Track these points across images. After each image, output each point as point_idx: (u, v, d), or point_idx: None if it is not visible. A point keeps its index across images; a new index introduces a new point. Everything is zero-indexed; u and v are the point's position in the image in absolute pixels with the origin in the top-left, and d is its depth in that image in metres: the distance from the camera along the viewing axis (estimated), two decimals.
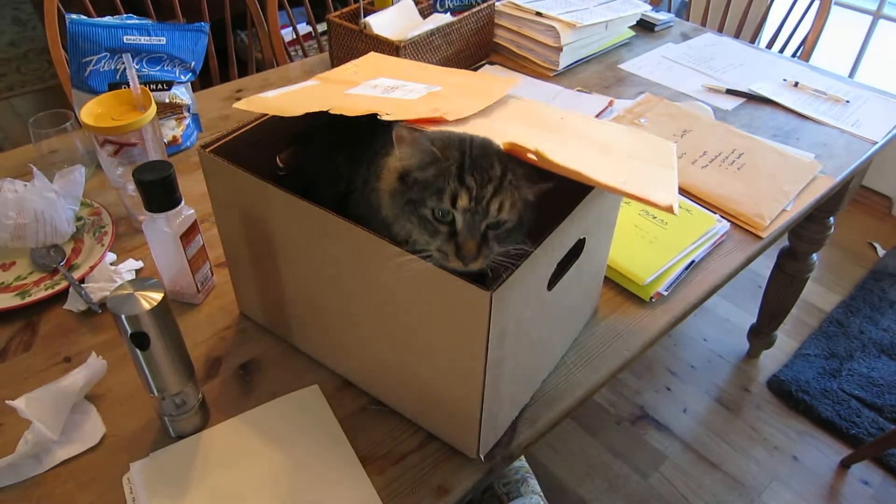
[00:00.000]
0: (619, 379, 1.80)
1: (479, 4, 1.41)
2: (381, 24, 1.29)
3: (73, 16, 0.96)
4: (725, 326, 1.97)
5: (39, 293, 0.87)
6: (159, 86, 1.04)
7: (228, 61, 1.68)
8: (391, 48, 1.25)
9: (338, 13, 1.35)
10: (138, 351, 0.64)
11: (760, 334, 1.82)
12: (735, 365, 1.86)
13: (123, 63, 1.00)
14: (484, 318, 0.55)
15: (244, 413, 0.75)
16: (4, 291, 0.89)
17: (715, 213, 1.03)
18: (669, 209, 0.59)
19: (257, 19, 1.60)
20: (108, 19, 0.99)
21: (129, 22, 1.00)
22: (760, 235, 1.02)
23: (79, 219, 0.99)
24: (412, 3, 1.36)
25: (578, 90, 1.35)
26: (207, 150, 0.71)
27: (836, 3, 2.00)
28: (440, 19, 1.34)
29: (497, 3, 1.46)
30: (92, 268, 0.91)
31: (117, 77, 1.01)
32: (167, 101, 1.06)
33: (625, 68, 1.47)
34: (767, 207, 1.04)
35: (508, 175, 0.59)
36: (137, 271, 0.93)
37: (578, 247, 0.70)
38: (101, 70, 0.98)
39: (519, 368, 0.68)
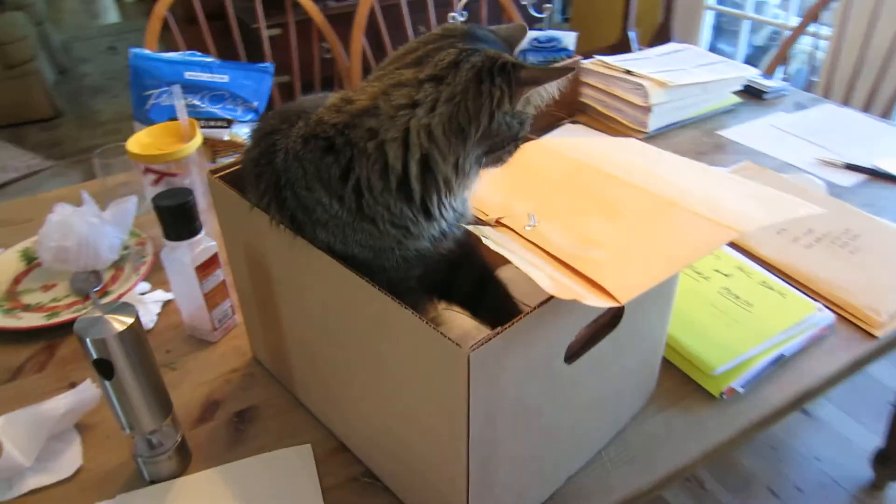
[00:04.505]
0: (707, 491, 1.57)
1: (563, 59, 1.34)
2: None
3: (136, 50, 0.98)
4: (845, 447, 1.67)
5: (66, 316, 0.86)
6: (219, 123, 1.05)
7: None
8: None
9: None
10: (105, 380, 0.59)
11: (888, 462, 1.53)
12: (853, 494, 1.56)
13: (185, 97, 1.01)
14: (462, 383, 0.45)
15: (226, 465, 0.68)
16: (37, 311, 0.89)
17: (817, 300, 0.86)
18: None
19: (346, 82, 1.62)
20: (170, 55, 1.01)
21: (190, 58, 1.02)
22: (874, 334, 0.83)
23: (125, 248, 0.98)
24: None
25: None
26: (216, 175, 0.67)
27: None
28: None
29: (584, 62, 1.38)
30: (121, 295, 0.89)
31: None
32: (226, 138, 1.06)
33: (725, 135, 1.33)
34: (885, 301, 0.86)
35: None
36: (165, 303, 0.90)
37: (615, 315, 0.58)
38: (163, 104, 1.00)
39: (526, 456, 0.56)
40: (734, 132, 1.35)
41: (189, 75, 1.01)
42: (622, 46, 2.69)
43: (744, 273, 0.90)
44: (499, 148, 0.53)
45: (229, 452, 0.69)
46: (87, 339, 0.56)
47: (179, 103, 0.89)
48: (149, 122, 1.02)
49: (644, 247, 0.55)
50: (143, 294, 0.90)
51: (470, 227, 0.55)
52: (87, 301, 0.89)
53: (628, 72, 1.33)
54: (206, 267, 0.78)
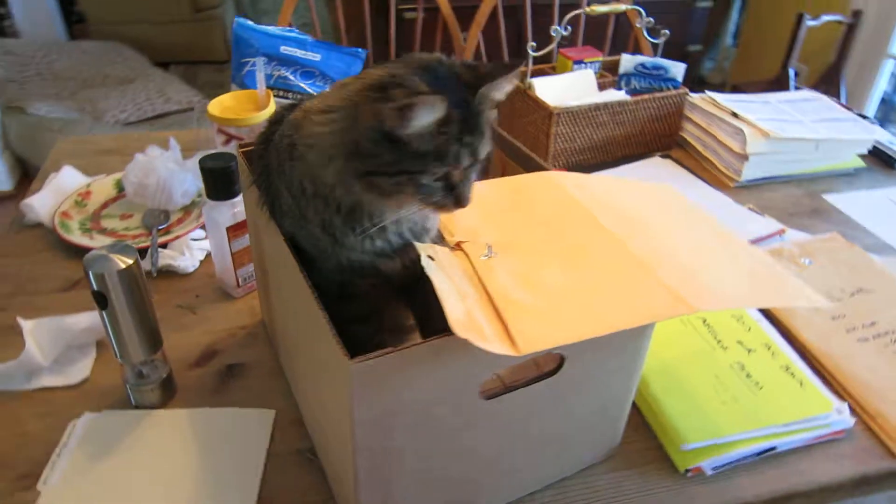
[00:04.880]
0: None
1: (668, 90, 1.28)
2: (547, 87, 1.23)
3: (240, 19, 1.07)
4: None
5: None
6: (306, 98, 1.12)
7: None
8: (545, 114, 1.19)
9: None
10: (101, 310, 0.67)
11: None
12: None
13: (278, 69, 1.09)
14: (347, 391, 0.47)
15: (198, 409, 0.75)
16: (109, 235, 1.01)
17: (844, 400, 0.78)
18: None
19: None
20: (270, 28, 1.09)
21: (288, 34, 1.09)
22: None
23: (199, 195, 1.09)
24: (592, 75, 1.29)
25: (749, 208, 1.15)
26: (243, 149, 0.73)
27: None
28: (613, 96, 1.24)
29: (693, 95, 1.31)
30: (176, 237, 0.99)
31: (271, 81, 1.11)
32: None
33: (830, 200, 1.21)
34: None
35: (483, 107, 0.53)
36: (209, 253, 0.99)
37: (559, 363, 0.57)
38: (258, 73, 1.09)
39: (437, 473, 0.58)
40: (842, 199, 1.22)
41: (284, 49, 1.09)
42: (780, 82, 2.49)
43: (769, 352, 0.83)
44: (389, 172, 0.51)
45: (208, 399, 0.76)
46: (90, 272, 0.65)
47: (260, 75, 0.96)
48: (243, 86, 1.12)
49: (581, 302, 0.54)
50: (194, 240, 1.00)
51: (418, 245, 0.57)
52: (149, 235, 1.00)
53: (734, 114, 1.24)
54: (237, 229, 0.85)
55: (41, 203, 1.04)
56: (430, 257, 0.55)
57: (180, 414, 0.74)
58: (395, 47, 1.73)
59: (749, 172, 1.22)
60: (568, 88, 1.26)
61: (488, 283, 0.54)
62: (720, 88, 3.47)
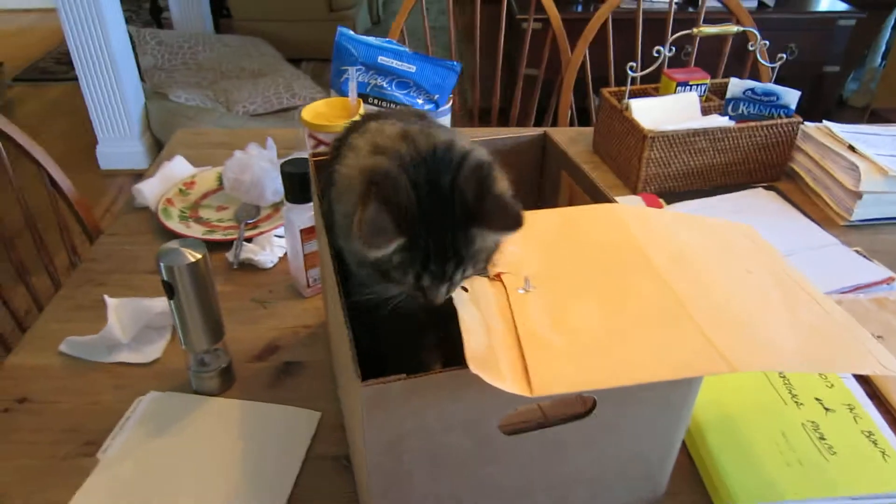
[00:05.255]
0: None
1: (779, 118, 1.19)
2: (645, 109, 1.19)
3: (343, 29, 1.11)
4: None
5: (217, 236, 1.05)
6: (399, 107, 1.14)
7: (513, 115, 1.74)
8: (638, 137, 1.15)
9: (614, 89, 1.29)
10: (169, 300, 0.72)
11: None
12: None
13: (375, 78, 1.12)
14: (359, 410, 0.48)
15: (251, 401, 0.79)
16: (203, 225, 1.09)
17: None
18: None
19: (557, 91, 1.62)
20: (370, 39, 1.12)
21: (387, 45, 1.12)
22: None
23: None
24: (695, 98, 1.22)
25: (856, 251, 1.04)
26: (316, 157, 0.75)
27: None
28: (715, 121, 1.17)
29: (807, 124, 1.21)
30: (261, 233, 1.05)
31: (367, 90, 1.14)
32: None
33: None
34: None
35: (470, 246, 0.51)
36: None
37: (591, 406, 0.55)
38: (356, 80, 1.12)
39: (447, 500, 0.57)
40: None
41: (382, 59, 1.12)
42: None
43: (851, 414, 0.76)
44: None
45: (262, 392, 0.80)
46: (161, 264, 0.70)
47: (352, 83, 1.00)
48: (341, 93, 1.16)
49: (612, 347, 0.51)
50: (278, 237, 1.05)
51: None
52: (238, 228, 1.06)
53: (851, 147, 1.14)
54: (310, 232, 0.89)
55: (150, 188, 1.13)
56: (464, 288, 0.55)
57: (233, 404, 0.78)
58: (502, 58, 1.73)
59: (861, 212, 1.11)
60: (668, 111, 1.20)
61: (519, 318, 0.53)
62: (863, 112, 3.19)
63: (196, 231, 1.05)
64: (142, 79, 2.93)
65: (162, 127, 2.86)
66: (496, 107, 1.76)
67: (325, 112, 1.05)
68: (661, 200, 1.19)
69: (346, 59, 1.11)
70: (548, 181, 0.83)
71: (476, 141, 0.82)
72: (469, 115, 1.83)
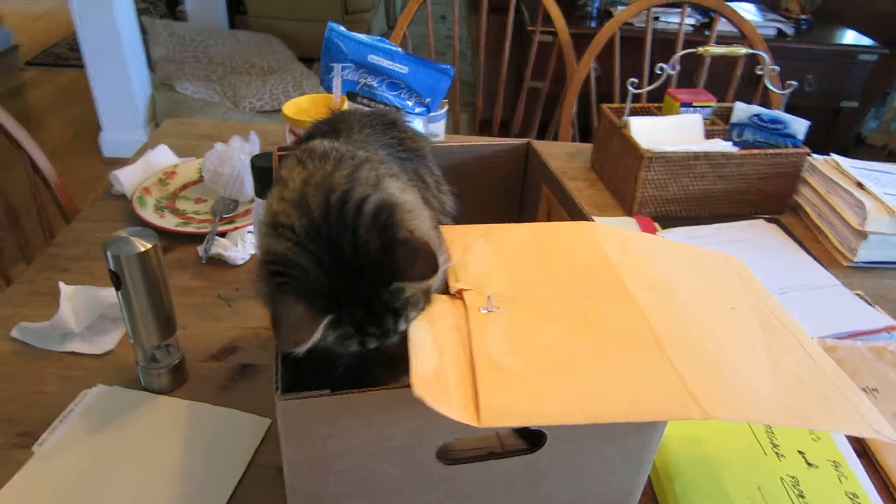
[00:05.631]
0: None
1: (786, 148, 1.15)
2: (644, 128, 1.14)
3: (333, 24, 1.08)
4: None
5: (191, 228, 1.01)
6: (388, 108, 1.11)
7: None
8: (635, 156, 1.10)
9: (615, 105, 1.25)
10: (117, 291, 0.69)
11: None
12: None
13: (365, 77, 1.09)
14: (279, 427, 0.44)
15: (198, 402, 0.74)
16: (178, 216, 1.05)
17: None
18: None
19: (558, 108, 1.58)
20: (361, 36, 1.09)
21: (378, 43, 1.08)
22: None
23: None
24: (699, 120, 1.18)
25: (857, 294, 0.99)
26: (280, 151, 0.72)
27: None
28: (718, 146, 1.13)
29: (814, 157, 1.16)
30: (236, 227, 1.01)
31: (356, 88, 1.10)
32: None
33: None
34: None
35: (403, 294, 0.47)
36: None
37: (529, 436, 0.51)
38: (344, 77, 1.09)
39: None
40: None
41: (371, 58, 1.08)
42: None
43: (836, 472, 0.70)
44: None
45: (214, 394, 0.76)
46: (108, 252, 0.66)
47: (336, 80, 0.96)
48: (330, 90, 1.12)
49: (573, 379, 0.47)
50: (250, 233, 1.01)
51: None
52: (213, 222, 1.03)
53: (859, 184, 1.09)
54: None
55: (128, 176, 1.10)
56: None
57: (181, 404, 0.74)
58: (507, 67, 1.69)
59: (866, 253, 1.06)
60: (669, 132, 1.16)
61: (476, 339, 0.49)
62: (881, 152, 3.13)
63: (169, 222, 1.02)
64: (152, 69, 2.92)
65: (167, 117, 2.83)
66: (498, 117, 1.73)
67: (307, 108, 1.02)
68: (656, 224, 1.14)
69: (336, 55, 1.08)
70: (529, 193, 0.79)
71: (455, 147, 0.79)
72: (474, 125, 1.79)
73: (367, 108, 1.01)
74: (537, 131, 1.80)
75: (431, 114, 1.14)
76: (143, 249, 0.66)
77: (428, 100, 1.13)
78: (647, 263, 0.60)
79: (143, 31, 2.79)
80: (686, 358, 0.48)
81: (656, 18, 2.27)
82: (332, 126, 0.65)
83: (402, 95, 1.12)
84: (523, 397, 0.45)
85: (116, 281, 0.67)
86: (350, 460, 0.47)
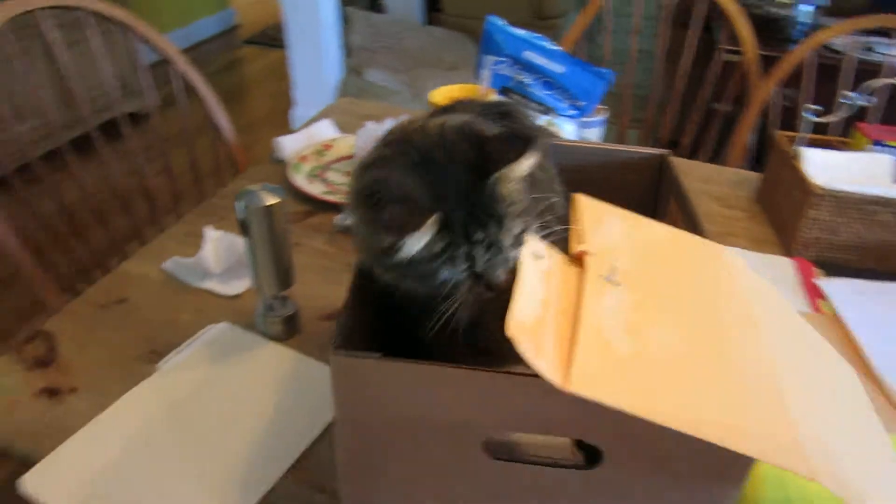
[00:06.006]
0: None
1: None
2: (821, 161, 1.03)
3: (493, 17, 1.08)
4: None
5: (332, 198, 1.07)
6: (539, 108, 1.09)
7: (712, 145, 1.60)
8: (804, 191, 0.99)
9: (792, 133, 1.13)
10: (244, 238, 0.75)
11: None
12: None
13: (519, 73, 1.09)
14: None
15: (305, 356, 0.79)
16: (328, 186, 1.12)
17: None
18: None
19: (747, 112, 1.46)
20: (521, 32, 1.08)
21: (536, 41, 1.07)
22: None
23: None
24: (891, 162, 1.03)
25: None
26: None
27: None
28: None
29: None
30: None
31: (510, 84, 1.10)
32: (541, 123, 1.11)
33: None
34: None
35: (498, 195, 0.47)
36: None
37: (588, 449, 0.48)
38: (500, 73, 1.09)
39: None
40: None
41: (527, 55, 1.07)
42: None
43: None
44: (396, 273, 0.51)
45: (319, 350, 0.80)
46: (237, 202, 0.72)
47: (485, 72, 0.97)
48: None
49: (679, 383, 0.42)
50: None
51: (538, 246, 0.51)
52: None
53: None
54: None
55: (291, 143, 1.19)
56: (536, 256, 0.49)
57: (288, 353, 0.79)
58: (686, 85, 1.60)
59: None
60: (850, 170, 1.03)
61: (587, 305, 0.46)
62: None
63: (316, 189, 1.09)
64: (347, 55, 3.14)
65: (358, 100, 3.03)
66: (666, 134, 1.64)
67: (455, 97, 1.03)
68: (816, 270, 1.02)
69: (493, 48, 1.09)
70: (659, 209, 0.74)
71: (582, 147, 0.76)
72: (644, 142, 1.72)
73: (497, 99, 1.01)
74: (710, 156, 1.68)
75: (584, 118, 1.11)
76: (269, 203, 0.71)
77: (582, 103, 1.10)
78: (778, 316, 0.54)
79: (345, 21, 3.00)
80: (806, 409, 0.43)
81: (862, 46, 2.02)
82: (447, 108, 0.66)
83: (555, 96, 1.11)
84: (621, 377, 0.42)
85: (244, 230, 0.73)
86: (395, 431, 0.47)
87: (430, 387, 0.44)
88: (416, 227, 0.45)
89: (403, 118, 1.20)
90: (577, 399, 0.40)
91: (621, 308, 0.46)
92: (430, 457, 0.48)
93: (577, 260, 0.51)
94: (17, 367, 0.75)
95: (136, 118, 2.47)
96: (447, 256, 0.47)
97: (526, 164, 0.48)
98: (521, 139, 0.47)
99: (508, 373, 0.43)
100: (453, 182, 0.47)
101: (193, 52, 3.82)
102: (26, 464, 0.64)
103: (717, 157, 1.66)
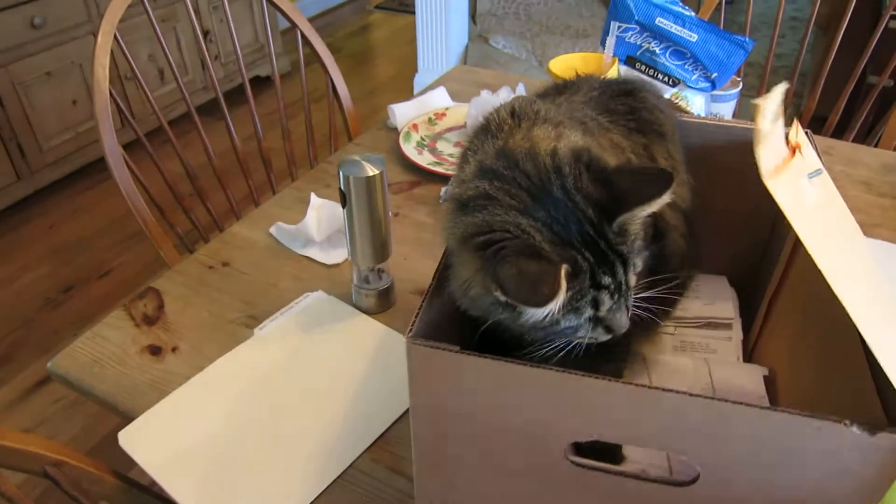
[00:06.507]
0: None
1: None
2: None
3: None
4: None
5: (439, 169, 1.04)
6: (665, 79, 1.00)
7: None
8: None
9: None
10: (343, 208, 0.74)
11: None
12: None
13: (648, 41, 1.00)
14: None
15: (395, 331, 0.78)
16: (434, 156, 1.09)
17: None
18: None
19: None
20: None
21: (670, 6, 0.97)
22: None
23: None
24: None
25: None
26: None
27: None
28: None
29: None
30: None
31: (637, 53, 1.01)
32: (667, 96, 1.01)
33: None
34: None
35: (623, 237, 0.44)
36: None
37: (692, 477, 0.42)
38: (627, 40, 1.01)
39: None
40: None
41: (659, 21, 0.98)
42: None
43: None
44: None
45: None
46: (340, 171, 0.71)
47: (610, 40, 0.90)
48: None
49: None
50: None
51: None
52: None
53: None
54: None
55: (403, 111, 1.18)
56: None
57: (379, 328, 0.78)
58: (838, 56, 1.41)
59: None
60: None
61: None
62: None
63: (424, 159, 1.07)
64: (473, 21, 3.08)
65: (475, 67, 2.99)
66: (810, 110, 1.46)
67: (576, 66, 0.96)
68: None
69: (622, 14, 1.00)
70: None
71: (710, 125, 0.67)
72: (792, 117, 1.54)
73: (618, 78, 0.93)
74: (864, 135, 1.49)
75: (716, 91, 1.01)
76: (369, 174, 0.69)
77: (714, 74, 0.99)
78: None
79: None
80: None
81: None
82: (567, 85, 0.62)
83: (686, 67, 1.00)
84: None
85: (343, 199, 0.72)
86: (471, 426, 0.44)
87: (513, 386, 0.41)
88: (553, 290, 0.40)
89: (520, 90, 1.16)
90: (669, 410, 0.37)
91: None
92: (507, 456, 0.45)
93: (793, 150, 0.48)
94: (126, 322, 0.79)
95: (262, 82, 2.59)
96: (572, 307, 0.43)
97: (659, 203, 0.43)
98: (660, 172, 0.43)
99: (597, 377, 0.39)
100: (574, 221, 0.42)
101: (326, 16, 3.91)
102: (129, 418, 0.67)
103: (869, 137, 1.47)
